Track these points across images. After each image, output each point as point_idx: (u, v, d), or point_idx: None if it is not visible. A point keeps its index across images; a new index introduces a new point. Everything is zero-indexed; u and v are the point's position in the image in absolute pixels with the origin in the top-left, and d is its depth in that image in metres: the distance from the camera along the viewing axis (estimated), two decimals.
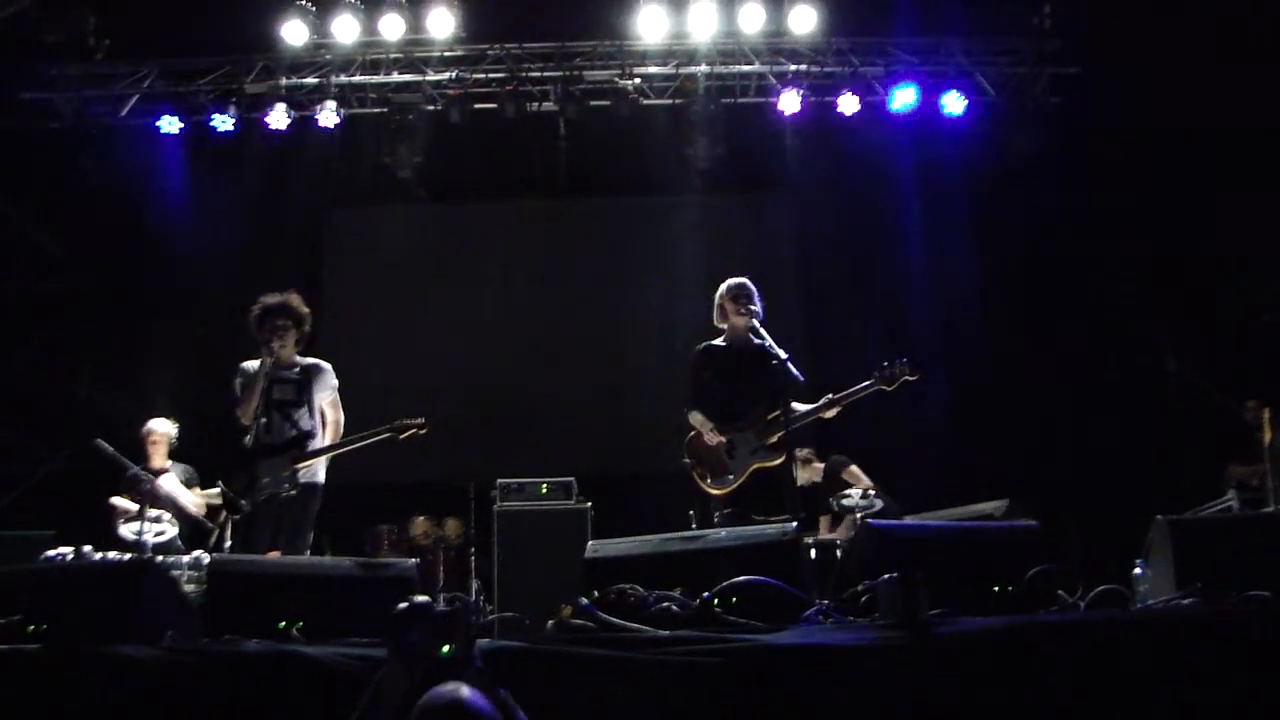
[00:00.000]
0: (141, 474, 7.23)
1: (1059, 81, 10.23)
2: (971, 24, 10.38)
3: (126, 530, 7.20)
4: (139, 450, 7.73)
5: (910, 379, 6.22)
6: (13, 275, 10.25)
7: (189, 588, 6.22)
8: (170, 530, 7.33)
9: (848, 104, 10.18)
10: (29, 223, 10.28)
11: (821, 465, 8.36)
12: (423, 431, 6.29)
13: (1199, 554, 3.99)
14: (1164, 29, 9.35)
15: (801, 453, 8.02)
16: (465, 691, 2.48)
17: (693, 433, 6.39)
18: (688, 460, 6.39)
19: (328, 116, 10.25)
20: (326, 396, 6.35)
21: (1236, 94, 9.04)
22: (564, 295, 11.18)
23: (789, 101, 10.21)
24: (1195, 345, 9.58)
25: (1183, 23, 9.27)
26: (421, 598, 2.79)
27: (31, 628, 3.68)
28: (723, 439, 6.20)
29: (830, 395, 6.32)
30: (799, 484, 7.90)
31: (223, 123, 10.22)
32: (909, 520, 6.53)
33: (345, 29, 10.08)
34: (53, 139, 10.36)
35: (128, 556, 6.78)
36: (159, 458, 7.76)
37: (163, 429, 7.81)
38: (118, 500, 7.44)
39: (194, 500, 7.53)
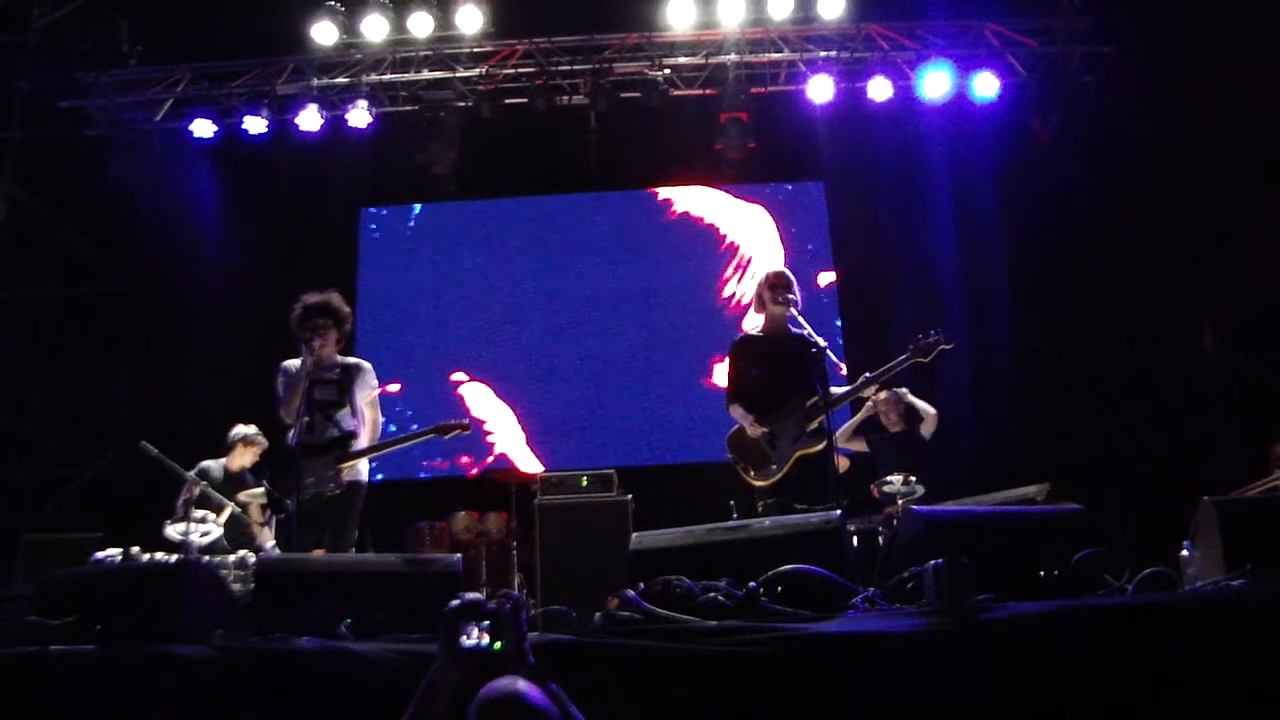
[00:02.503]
0: (186, 475, 7.31)
1: (1091, 60, 10.13)
2: (1003, 4, 10.31)
3: (173, 531, 7.27)
4: (219, 446, 7.88)
5: (946, 347, 6.21)
6: (54, 281, 10.37)
7: (235, 587, 6.30)
8: (215, 530, 7.39)
9: (879, 89, 10.14)
10: (67, 229, 10.38)
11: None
12: (467, 431, 6.32)
13: (1247, 535, 3.95)
14: (1197, 5, 9.26)
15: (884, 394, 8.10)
16: (521, 685, 2.49)
17: (734, 427, 6.40)
18: (731, 455, 6.39)
19: (359, 116, 10.32)
20: (366, 396, 6.36)
21: (1272, 71, 8.92)
22: (599, 287, 11.21)
23: (820, 88, 10.17)
24: (1236, 323, 9.48)
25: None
26: (473, 594, 2.79)
27: (84, 629, 3.73)
28: (764, 430, 6.20)
29: (867, 374, 6.34)
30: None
31: (255, 125, 10.30)
32: (952, 506, 6.49)
33: (375, 28, 10.16)
34: (88, 145, 10.47)
35: (175, 557, 6.85)
36: (237, 462, 7.88)
37: (260, 438, 7.91)
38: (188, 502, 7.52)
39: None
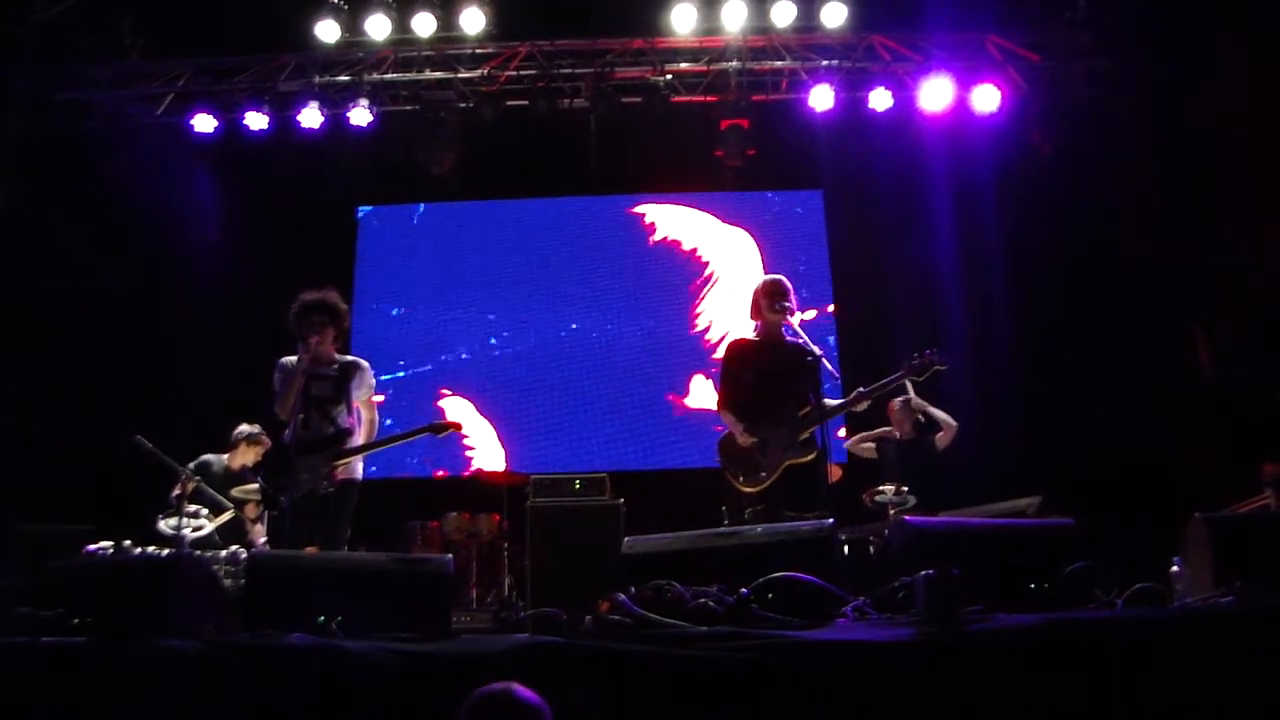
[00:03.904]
0: (180, 468, 7.32)
1: (1093, 74, 10.14)
2: (1005, 17, 10.33)
3: (164, 525, 7.27)
4: (222, 442, 7.92)
5: (940, 368, 6.22)
6: (51, 276, 10.34)
7: (226, 582, 6.30)
8: (207, 525, 7.40)
9: (880, 99, 10.15)
10: (66, 224, 10.36)
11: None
12: (460, 430, 6.34)
13: (1237, 552, 3.96)
14: (1200, 20, 9.27)
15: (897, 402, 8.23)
16: (514, 685, 2.50)
17: (725, 433, 6.41)
18: (721, 461, 6.40)
19: (360, 114, 10.31)
20: (364, 395, 6.37)
21: (1273, 85, 8.94)
22: (595, 291, 11.23)
23: (821, 97, 10.18)
24: (1230, 341, 9.49)
25: (1218, 14, 9.19)
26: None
27: (75, 621, 3.73)
28: (754, 439, 6.21)
29: (860, 389, 6.33)
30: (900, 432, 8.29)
31: (256, 121, 10.31)
32: (944, 517, 6.50)
33: (378, 27, 10.17)
34: (89, 139, 10.45)
35: (166, 551, 6.86)
36: (239, 461, 7.93)
37: (266, 439, 7.96)
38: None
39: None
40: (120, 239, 10.63)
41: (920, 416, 8.24)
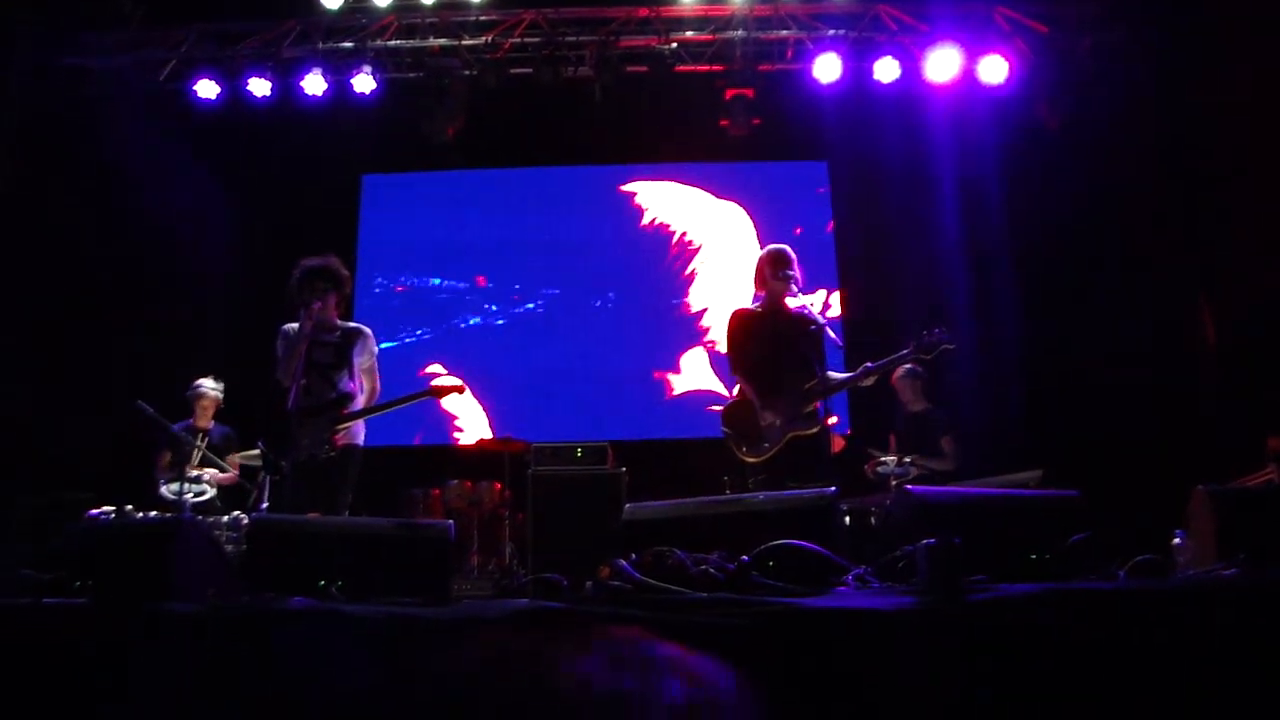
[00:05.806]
0: (182, 435, 7.33)
1: (1101, 47, 10.07)
2: None
3: (167, 490, 7.29)
4: (186, 409, 7.92)
5: (948, 347, 6.21)
6: (51, 245, 10.31)
7: (227, 548, 6.32)
8: (210, 490, 7.42)
9: (886, 70, 10.09)
10: (67, 193, 10.31)
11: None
12: (460, 394, 6.34)
13: (1241, 524, 3.95)
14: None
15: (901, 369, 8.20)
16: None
17: (730, 402, 6.41)
18: (725, 430, 6.40)
19: (364, 81, 10.25)
20: (365, 362, 6.37)
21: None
22: (599, 261, 11.21)
23: (826, 67, 10.12)
24: (1235, 316, 9.47)
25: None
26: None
27: (77, 585, 3.74)
28: (765, 410, 6.21)
29: (868, 364, 6.31)
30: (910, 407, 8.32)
31: (259, 87, 10.25)
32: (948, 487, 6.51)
33: None
34: (90, 107, 10.39)
35: (168, 515, 6.88)
36: (205, 418, 7.95)
37: (213, 390, 7.98)
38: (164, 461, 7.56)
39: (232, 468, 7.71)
40: (122, 207, 10.58)
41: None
